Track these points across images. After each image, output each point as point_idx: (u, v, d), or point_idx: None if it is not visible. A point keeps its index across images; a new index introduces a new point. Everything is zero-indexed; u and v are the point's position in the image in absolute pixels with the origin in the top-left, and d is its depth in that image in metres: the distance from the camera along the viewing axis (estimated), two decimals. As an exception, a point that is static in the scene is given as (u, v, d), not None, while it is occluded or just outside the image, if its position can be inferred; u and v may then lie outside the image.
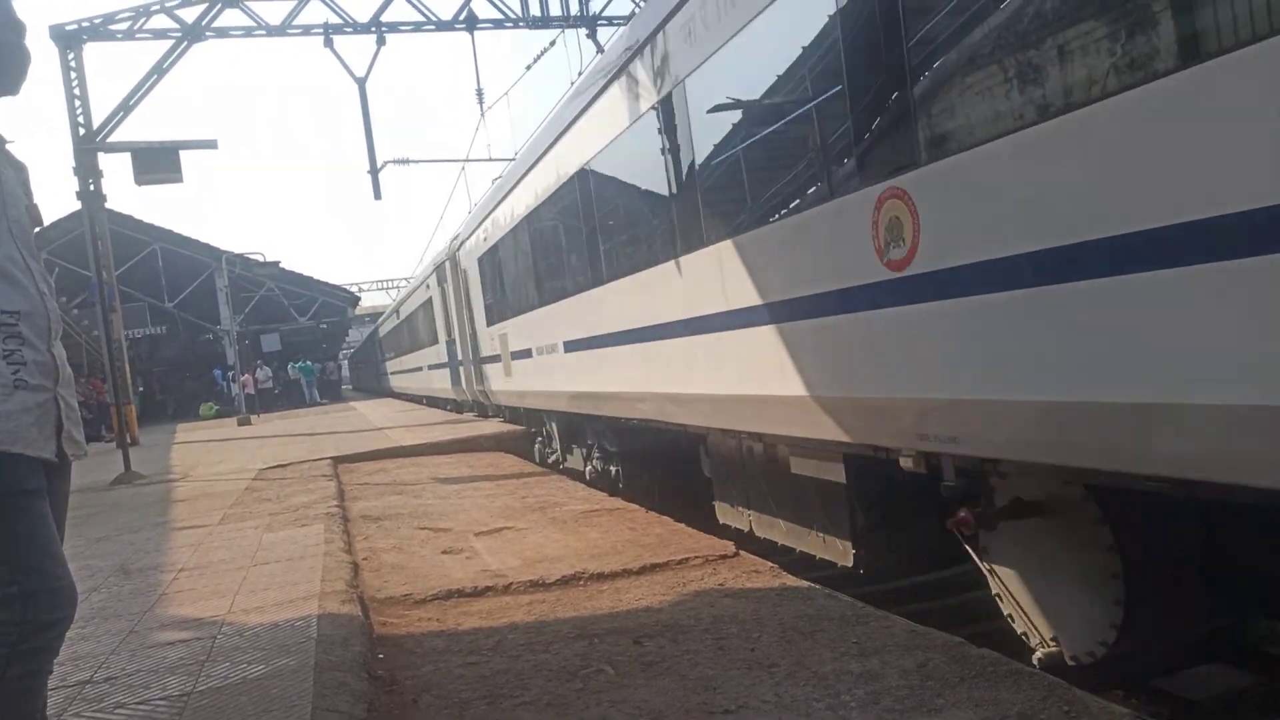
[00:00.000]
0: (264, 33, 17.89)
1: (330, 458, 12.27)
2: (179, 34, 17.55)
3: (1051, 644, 4.18)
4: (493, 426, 14.77)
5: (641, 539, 6.15)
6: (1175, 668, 4.43)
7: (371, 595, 5.08)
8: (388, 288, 60.47)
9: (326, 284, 43.48)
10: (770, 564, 5.28)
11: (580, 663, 3.72)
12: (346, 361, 59.85)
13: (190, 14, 17.46)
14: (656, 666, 3.61)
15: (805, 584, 4.74)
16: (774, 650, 3.65)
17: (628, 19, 18.01)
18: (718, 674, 3.46)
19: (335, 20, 17.90)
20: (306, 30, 18.01)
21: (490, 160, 23.93)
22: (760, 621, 4.07)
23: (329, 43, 17.76)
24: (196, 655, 3.93)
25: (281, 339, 41.04)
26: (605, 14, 18.77)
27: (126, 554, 6.71)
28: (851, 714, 2.98)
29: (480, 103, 19.38)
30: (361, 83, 17.70)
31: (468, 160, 22.41)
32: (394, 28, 18.27)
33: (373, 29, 17.98)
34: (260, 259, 28.62)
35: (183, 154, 15.40)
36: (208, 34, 17.65)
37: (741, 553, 5.53)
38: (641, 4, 17.74)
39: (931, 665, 3.32)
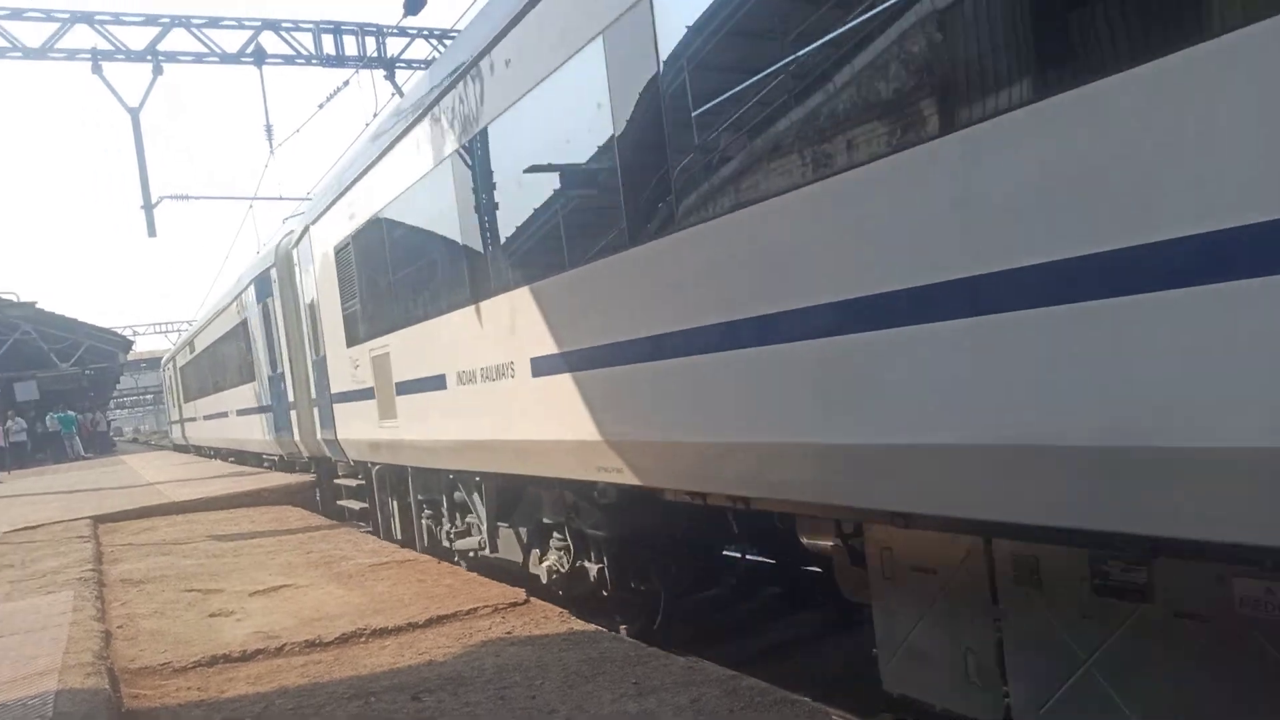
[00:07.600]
0: (20, 55, 16.40)
1: (89, 517, 11.15)
2: (-84, 50, 15.78)
3: None
4: (278, 479, 13.96)
5: (431, 590, 5.99)
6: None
7: (124, 666, 4.65)
8: (167, 331, 56.18)
9: (94, 327, 39.70)
10: (560, 610, 5.26)
11: (353, 724, 3.56)
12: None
13: (-69, 29, 15.76)
14: (434, 722, 3.50)
15: (593, 628, 4.76)
16: (554, 696, 3.64)
17: (426, 64, 17.88)
18: (496, 725, 3.40)
19: (105, 46, 16.67)
20: (72, 55, 16.65)
21: (280, 199, 22.85)
22: (544, 668, 4.05)
23: (98, 69, 16.48)
24: (-99, 748, 3.45)
25: (39, 387, 37.13)
26: (404, 57, 18.48)
27: None
28: (626, 755, 3.01)
29: (269, 139, 18.58)
30: (135, 113, 16.55)
31: (255, 198, 21.41)
32: (172, 57, 17.24)
33: (148, 57, 16.88)
34: (13, 299, 25.90)
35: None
36: (-48, 52, 15.97)
37: (532, 600, 5.50)
38: (442, 49, 17.73)
39: (704, 700, 3.42)
